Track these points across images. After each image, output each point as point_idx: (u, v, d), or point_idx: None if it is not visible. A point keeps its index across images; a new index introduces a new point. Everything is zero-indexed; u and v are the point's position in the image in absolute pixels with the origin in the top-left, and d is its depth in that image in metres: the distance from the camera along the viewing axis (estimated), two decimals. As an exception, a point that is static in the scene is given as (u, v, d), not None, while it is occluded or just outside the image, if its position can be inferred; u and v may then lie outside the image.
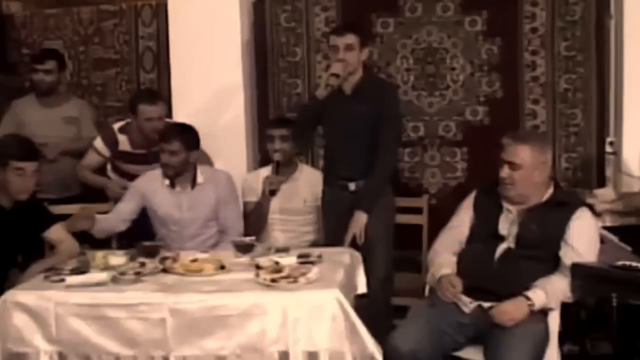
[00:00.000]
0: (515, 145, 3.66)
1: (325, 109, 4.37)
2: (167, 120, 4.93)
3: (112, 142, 5.00)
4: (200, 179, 4.51)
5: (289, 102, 5.55)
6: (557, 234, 3.60)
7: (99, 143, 5.02)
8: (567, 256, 3.56)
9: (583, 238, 3.60)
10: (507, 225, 3.70)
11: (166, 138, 4.41)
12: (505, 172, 3.66)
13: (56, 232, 4.16)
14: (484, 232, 3.75)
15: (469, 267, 3.71)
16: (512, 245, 3.66)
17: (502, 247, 3.66)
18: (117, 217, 4.51)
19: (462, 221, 3.90)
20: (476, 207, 3.87)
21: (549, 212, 3.66)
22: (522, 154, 3.63)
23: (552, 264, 3.60)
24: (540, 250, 3.61)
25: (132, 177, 4.83)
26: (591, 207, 3.77)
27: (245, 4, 5.50)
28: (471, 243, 3.80)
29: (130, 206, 4.54)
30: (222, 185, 4.56)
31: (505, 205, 3.75)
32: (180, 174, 4.47)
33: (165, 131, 4.52)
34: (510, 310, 3.46)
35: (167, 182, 4.50)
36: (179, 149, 4.38)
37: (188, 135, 4.46)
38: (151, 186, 4.53)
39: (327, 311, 3.31)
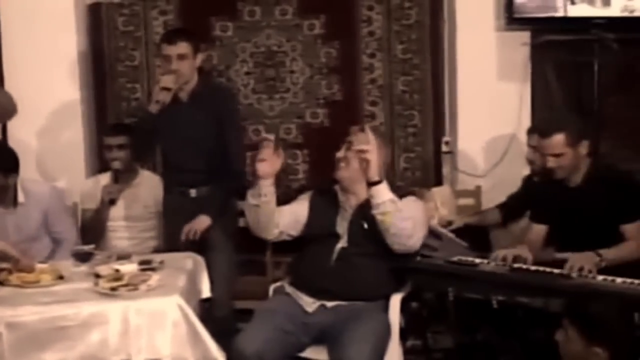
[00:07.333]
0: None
1: (161, 117, 4.24)
2: None
3: None
4: (21, 198, 4.34)
5: (128, 107, 5.44)
6: None
7: None
8: None
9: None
10: (343, 223, 3.77)
11: None
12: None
13: None
14: (322, 232, 3.79)
15: (309, 268, 3.76)
16: (346, 245, 3.73)
17: (338, 247, 3.73)
18: None
19: (301, 204, 3.94)
20: (312, 207, 3.90)
21: None
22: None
23: (386, 259, 3.67)
24: (371, 246, 3.67)
25: None
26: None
27: (81, 8, 5.34)
28: (310, 244, 3.83)
29: None
30: (47, 199, 4.42)
31: (342, 203, 3.82)
32: None
33: None
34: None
35: None
36: None
37: (3, 159, 4.26)
38: None
39: (168, 317, 3.27)
